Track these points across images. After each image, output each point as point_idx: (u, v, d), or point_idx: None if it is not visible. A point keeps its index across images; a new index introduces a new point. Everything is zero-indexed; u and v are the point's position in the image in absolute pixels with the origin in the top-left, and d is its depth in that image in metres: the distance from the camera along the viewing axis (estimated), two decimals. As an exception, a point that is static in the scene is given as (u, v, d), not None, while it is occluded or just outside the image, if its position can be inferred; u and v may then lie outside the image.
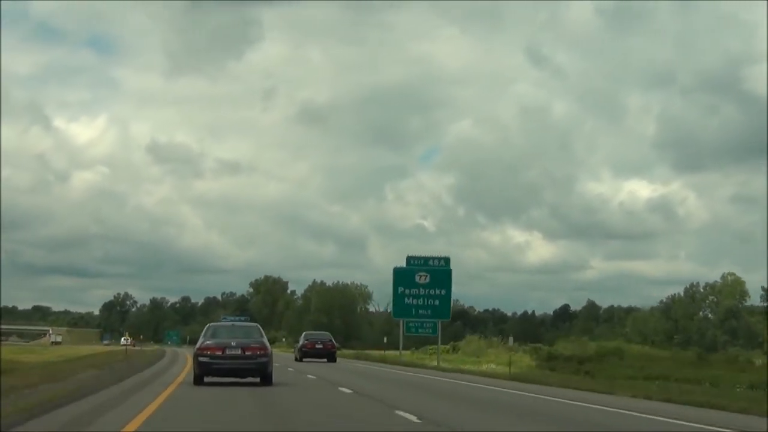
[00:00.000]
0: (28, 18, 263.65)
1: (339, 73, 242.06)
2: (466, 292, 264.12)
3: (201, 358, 23.03)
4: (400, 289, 50.99)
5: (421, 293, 50.71)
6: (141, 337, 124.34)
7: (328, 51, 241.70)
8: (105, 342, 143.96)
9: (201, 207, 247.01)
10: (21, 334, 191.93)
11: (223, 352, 22.92)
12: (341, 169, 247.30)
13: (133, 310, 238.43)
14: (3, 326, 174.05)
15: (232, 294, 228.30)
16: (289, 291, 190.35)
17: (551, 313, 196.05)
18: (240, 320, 61.74)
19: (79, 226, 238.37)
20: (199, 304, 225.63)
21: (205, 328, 24.98)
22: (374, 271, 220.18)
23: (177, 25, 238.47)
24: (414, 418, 15.43)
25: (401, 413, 16.27)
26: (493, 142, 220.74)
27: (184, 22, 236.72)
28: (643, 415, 17.81)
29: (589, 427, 15.56)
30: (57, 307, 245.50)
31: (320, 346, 49.48)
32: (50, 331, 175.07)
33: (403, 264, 52.38)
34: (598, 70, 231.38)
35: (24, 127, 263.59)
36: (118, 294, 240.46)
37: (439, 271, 51.23)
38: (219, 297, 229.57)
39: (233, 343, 23.18)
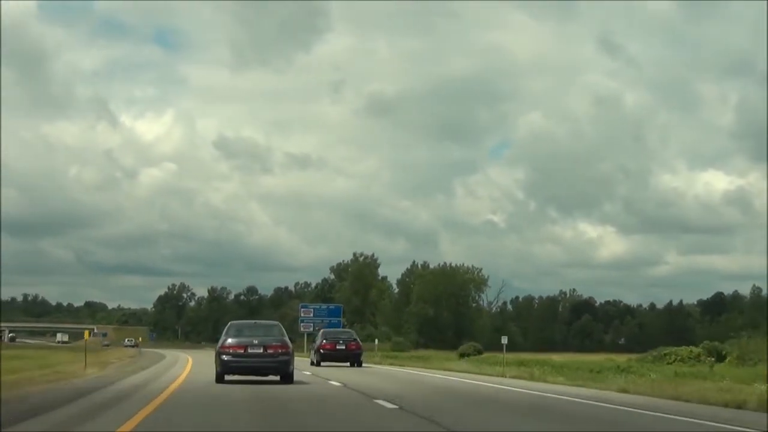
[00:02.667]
0: (93, 13, 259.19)
1: (406, 64, 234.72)
2: (536, 288, 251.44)
3: (223, 356, 23.06)
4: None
5: None
6: (138, 340, 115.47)
7: (395, 42, 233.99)
8: (105, 344, 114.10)
9: (269, 203, 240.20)
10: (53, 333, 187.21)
11: (245, 351, 23.10)
12: (409, 164, 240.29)
13: (191, 304, 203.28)
14: (38, 324, 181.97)
15: (306, 285, 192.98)
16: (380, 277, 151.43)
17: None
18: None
19: (147, 223, 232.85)
20: (269, 296, 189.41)
21: (226, 327, 24.82)
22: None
23: (243, 17, 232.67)
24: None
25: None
26: (565, 134, 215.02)
27: (250, 15, 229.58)
28: None
29: None
30: (114, 304, 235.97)
31: (342, 347, 39.25)
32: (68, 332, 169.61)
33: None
34: (673, 59, 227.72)
35: (90, 123, 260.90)
36: (173, 285, 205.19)
37: None
38: (291, 288, 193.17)
39: (255, 342, 23.35)
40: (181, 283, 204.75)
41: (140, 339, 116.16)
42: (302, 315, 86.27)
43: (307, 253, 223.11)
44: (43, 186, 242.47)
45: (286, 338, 24.09)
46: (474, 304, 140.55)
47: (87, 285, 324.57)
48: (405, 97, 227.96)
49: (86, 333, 44.22)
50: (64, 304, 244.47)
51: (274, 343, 23.26)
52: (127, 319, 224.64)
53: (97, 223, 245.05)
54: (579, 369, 34.23)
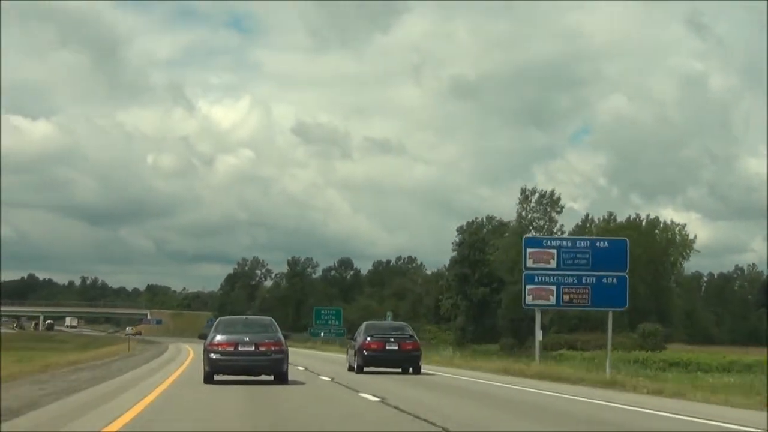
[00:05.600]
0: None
1: (486, 47, 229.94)
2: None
3: (212, 355, 21.60)
4: None
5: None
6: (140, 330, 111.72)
7: (474, 24, 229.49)
8: (128, 334, 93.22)
9: (347, 190, 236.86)
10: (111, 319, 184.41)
11: (235, 348, 21.66)
12: (489, 150, 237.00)
13: (266, 282, 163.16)
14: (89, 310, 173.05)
15: (411, 259, 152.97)
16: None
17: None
18: None
19: (225, 211, 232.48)
20: (367, 270, 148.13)
21: (215, 322, 23.69)
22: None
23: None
24: None
25: None
26: (648, 118, 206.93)
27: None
28: None
29: None
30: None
31: (394, 347, 30.01)
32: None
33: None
34: (761, 41, 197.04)
35: (166, 110, 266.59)
36: (244, 261, 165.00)
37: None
38: (393, 261, 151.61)
39: (246, 339, 21.85)
40: (254, 257, 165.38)
41: (142, 330, 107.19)
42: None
43: (386, 241, 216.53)
44: (121, 174, 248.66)
45: (280, 335, 22.56)
46: (672, 277, 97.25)
47: (166, 274, 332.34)
48: (485, 82, 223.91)
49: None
50: (129, 288, 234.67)
51: (266, 341, 21.88)
52: (189, 302, 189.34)
53: (175, 211, 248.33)
54: None
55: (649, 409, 16.03)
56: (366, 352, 30.03)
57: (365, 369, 29.62)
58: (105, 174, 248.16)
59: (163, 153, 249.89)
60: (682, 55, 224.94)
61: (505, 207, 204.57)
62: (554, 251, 33.12)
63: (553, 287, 32.91)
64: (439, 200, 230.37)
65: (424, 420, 12.87)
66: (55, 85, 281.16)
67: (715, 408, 16.92)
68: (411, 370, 29.88)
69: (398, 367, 30.08)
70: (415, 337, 31.64)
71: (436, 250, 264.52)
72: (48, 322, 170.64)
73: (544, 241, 33.06)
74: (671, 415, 15.03)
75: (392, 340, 30.36)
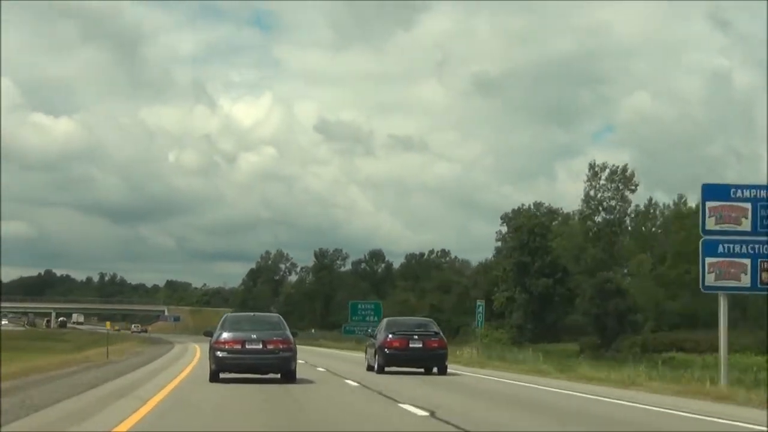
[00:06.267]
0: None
1: (507, 44, 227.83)
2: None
3: (218, 353, 20.97)
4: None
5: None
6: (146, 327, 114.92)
7: (496, 21, 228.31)
8: (134, 331, 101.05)
9: (370, 188, 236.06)
10: (127, 316, 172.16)
11: (242, 346, 21.05)
12: (511, 147, 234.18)
13: (291, 277, 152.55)
14: (103, 306, 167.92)
15: (444, 252, 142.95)
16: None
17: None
18: None
19: (247, 209, 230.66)
20: (398, 263, 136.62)
21: (222, 319, 22.70)
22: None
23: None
24: None
25: None
26: (672, 116, 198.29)
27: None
28: None
29: None
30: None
31: (418, 345, 28.45)
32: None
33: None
34: None
35: (189, 106, 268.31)
36: (267, 254, 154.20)
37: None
38: (426, 254, 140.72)
39: (253, 336, 21.24)
40: (278, 250, 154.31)
41: (148, 327, 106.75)
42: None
43: (410, 239, 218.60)
44: (143, 172, 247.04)
45: (288, 332, 21.90)
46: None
47: (188, 272, 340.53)
48: (507, 79, 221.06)
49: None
50: (149, 285, 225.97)
51: (274, 338, 21.30)
52: (209, 298, 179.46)
53: (197, 209, 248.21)
54: None
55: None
56: (387, 350, 28.46)
57: (386, 369, 28.17)
58: (127, 172, 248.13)
59: (185, 151, 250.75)
60: (705, 51, 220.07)
61: (526, 203, 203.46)
62: (748, 206, 21.83)
63: (747, 261, 21.58)
64: (461, 197, 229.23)
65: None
66: (77, 83, 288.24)
67: None
68: (436, 369, 28.21)
69: (422, 367, 28.69)
70: (441, 334, 29.93)
71: (458, 248, 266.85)
72: (60, 319, 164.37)
73: (733, 190, 21.73)
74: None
75: (416, 337, 28.89)
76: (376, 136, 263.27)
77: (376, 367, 28.54)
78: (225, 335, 21.04)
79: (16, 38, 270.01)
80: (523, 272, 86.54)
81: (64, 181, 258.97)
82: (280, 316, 23.65)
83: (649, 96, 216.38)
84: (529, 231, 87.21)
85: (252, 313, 26.63)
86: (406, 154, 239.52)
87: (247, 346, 20.81)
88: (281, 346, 20.97)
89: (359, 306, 69.45)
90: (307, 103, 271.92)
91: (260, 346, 20.86)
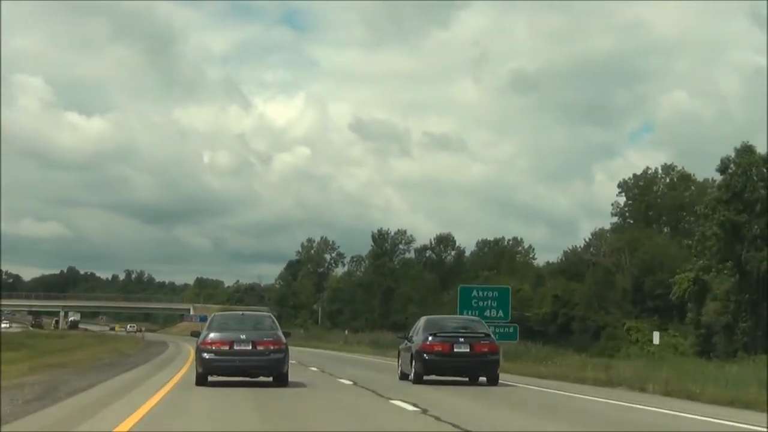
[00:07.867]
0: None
1: (544, 42, 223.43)
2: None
3: (205, 354, 20.21)
4: None
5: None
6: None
7: (533, 18, 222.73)
8: (131, 331, 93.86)
9: (405, 188, 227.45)
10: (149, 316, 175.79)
11: (230, 347, 20.27)
12: (547, 147, 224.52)
13: (338, 270, 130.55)
14: (124, 304, 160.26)
15: (516, 240, 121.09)
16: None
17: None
18: None
19: (281, 210, 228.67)
20: (471, 248, 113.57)
21: (209, 319, 22.48)
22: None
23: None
24: None
25: None
26: (712, 115, 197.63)
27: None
28: None
29: None
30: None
31: (464, 349, 24.35)
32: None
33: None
34: None
35: (221, 106, 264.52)
36: (309, 242, 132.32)
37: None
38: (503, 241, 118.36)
39: (242, 337, 20.38)
40: (322, 237, 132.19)
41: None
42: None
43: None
44: (176, 172, 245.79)
45: (280, 332, 21.02)
46: None
47: (221, 274, 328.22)
48: (544, 77, 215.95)
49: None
50: (178, 282, 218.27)
51: (265, 339, 20.44)
52: (242, 295, 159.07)
53: (231, 210, 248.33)
54: None
55: None
56: (427, 355, 24.34)
57: (425, 378, 24.22)
58: (160, 172, 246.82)
59: (219, 150, 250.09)
60: (746, 49, 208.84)
61: (563, 205, 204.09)
62: None
63: None
64: (497, 197, 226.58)
65: None
66: (109, 82, 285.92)
67: None
68: (485, 379, 24.27)
69: (468, 376, 24.93)
70: (492, 336, 25.69)
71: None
72: (71, 319, 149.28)
73: None
74: None
75: (461, 340, 24.74)
76: (411, 134, 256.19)
77: (412, 375, 24.52)
78: (212, 335, 20.36)
79: (49, 37, 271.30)
80: (735, 238, 57.90)
81: (97, 181, 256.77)
82: (272, 315, 23.31)
83: (687, 95, 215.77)
84: (743, 174, 57.89)
85: (241, 312, 25.21)
86: (442, 150, 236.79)
87: (235, 347, 20.11)
88: (272, 347, 20.20)
89: (473, 293, 45.44)
90: (342, 103, 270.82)
91: (250, 347, 20.13)
